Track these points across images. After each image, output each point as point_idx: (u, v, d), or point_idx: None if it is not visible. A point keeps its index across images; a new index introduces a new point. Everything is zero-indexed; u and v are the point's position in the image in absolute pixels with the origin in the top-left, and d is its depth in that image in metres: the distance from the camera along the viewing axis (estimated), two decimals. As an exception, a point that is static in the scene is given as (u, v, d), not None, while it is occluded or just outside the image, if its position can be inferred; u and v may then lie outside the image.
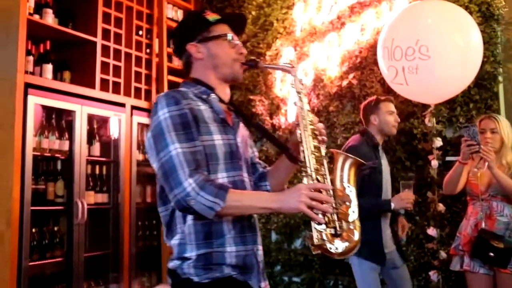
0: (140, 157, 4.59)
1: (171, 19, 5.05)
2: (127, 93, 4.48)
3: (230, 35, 1.85)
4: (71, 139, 3.96)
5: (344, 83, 4.47)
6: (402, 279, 3.28)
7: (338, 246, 1.67)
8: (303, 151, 1.75)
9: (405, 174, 4.00)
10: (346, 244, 1.67)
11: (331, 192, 1.70)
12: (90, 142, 4.18)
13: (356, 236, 1.70)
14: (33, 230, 3.63)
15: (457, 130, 3.99)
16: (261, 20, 5.01)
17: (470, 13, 3.74)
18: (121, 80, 4.43)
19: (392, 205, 3.09)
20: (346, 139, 4.36)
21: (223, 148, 1.73)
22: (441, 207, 3.66)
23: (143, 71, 4.69)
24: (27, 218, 3.49)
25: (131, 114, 4.46)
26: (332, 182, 1.78)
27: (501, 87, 3.94)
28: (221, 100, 1.83)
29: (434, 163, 3.67)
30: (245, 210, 1.67)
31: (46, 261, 3.75)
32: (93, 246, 4.16)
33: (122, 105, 4.39)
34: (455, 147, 3.92)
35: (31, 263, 3.53)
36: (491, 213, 3.15)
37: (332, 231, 1.66)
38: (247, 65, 1.89)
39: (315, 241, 1.64)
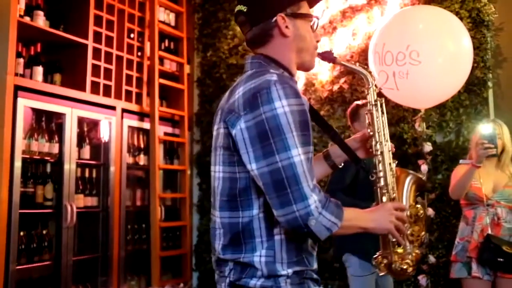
0: (131, 160, 4.57)
1: (163, 22, 5.05)
2: (118, 96, 4.47)
3: (316, 17, 1.61)
4: (61, 142, 3.94)
5: (335, 87, 4.48)
6: (385, 286, 3.28)
7: (408, 268, 1.64)
8: (381, 165, 1.67)
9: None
10: (412, 265, 1.65)
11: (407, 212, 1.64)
12: (80, 145, 4.16)
13: (416, 259, 1.67)
14: (21, 233, 3.60)
15: (447, 135, 4.00)
16: (253, 24, 5.00)
17: (461, 19, 3.76)
18: (112, 83, 4.41)
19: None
20: (337, 143, 4.37)
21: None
22: (430, 211, 3.66)
23: (134, 74, 4.68)
24: (15, 221, 3.47)
25: (122, 117, 4.45)
26: (399, 201, 1.70)
27: (490, 92, 3.97)
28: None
29: (424, 167, 3.68)
30: (347, 230, 1.48)
31: (34, 265, 3.72)
32: (82, 250, 4.13)
33: (113, 108, 4.37)
34: (445, 152, 3.94)
35: (18, 267, 3.51)
36: (498, 219, 3.13)
37: (402, 251, 1.64)
38: (323, 57, 1.69)
39: (395, 264, 1.61)
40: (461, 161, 3.43)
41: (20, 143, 3.57)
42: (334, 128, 1.72)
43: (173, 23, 5.24)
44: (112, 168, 4.31)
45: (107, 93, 4.36)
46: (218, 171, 1.51)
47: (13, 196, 3.47)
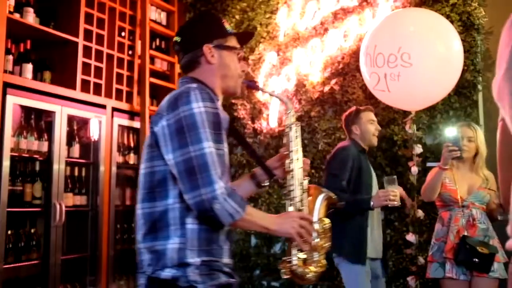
0: (120, 159, 4.55)
1: (154, 21, 5.03)
2: (108, 95, 4.44)
3: (241, 50, 1.89)
4: (50, 140, 3.90)
5: (326, 88, 4.50)
6: None
7: (311, 273, 1.83)
8: (291, 180, 1.90)
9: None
10: (315, 272, 1.84)
11: (313, 224, 1.85)
12: (69, 143, 4.12)
13: (317, 268, 1.85)
14: (9, 232, 3.55)
15: (437, 137, 4.03)
16: (245, 24, 5.01)
17: (451, 22, 3.79)
18: (103, 82, 4.38)
19: (372, 203, 3.11)
20: (327, 144, 4.39)
21: (227, 158, 1.74)
22: (420, 213, 3.69)
23: (125, 72, 4.65)
24: (3, 219, 3.43)
25: (112, 116, 4.42)
26: (309, 214, 1.90)
27: (480, 95, 4.00)
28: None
29: (414, 169, 3.70)
30: (250, 225, 1.70)
31: (22, 264, 3.68)
32: (70, 249, 4.10)
33: (103, 106, 4.34)
34: (434, 154, 3.96)
35: (5, 266, 3.46)
36: (473, 220, 3.19)
37: (305, 258, 1.82)
38: (247, 84, 1.94)
39: (294, 267, 1.79)
40: (428, 163, 3.52)
41: (9, 140, 3.53)
42: (251, 146, 2.02)
43: (164, 22, 5.22)
44: (101, 167, 4.27)
45: (97, 91, 4.33)
46: (142, 168, 1.71)
47: (1, 194, 3.43)
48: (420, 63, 3.35)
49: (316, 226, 1.88)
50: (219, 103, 1.79)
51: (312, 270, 1.82)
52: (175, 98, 1.66)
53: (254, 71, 4.83)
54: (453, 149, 3.10)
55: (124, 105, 4.58)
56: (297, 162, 1.93)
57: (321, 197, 1.98)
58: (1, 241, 3.41)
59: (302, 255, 1.81)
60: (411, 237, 3.68)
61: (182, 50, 1.86)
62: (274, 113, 4.73)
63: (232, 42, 1.87)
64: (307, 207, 1.91)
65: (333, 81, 4.47)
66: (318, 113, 4.56)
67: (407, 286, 3.76)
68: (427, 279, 3.49)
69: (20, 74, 3.80)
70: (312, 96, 4.57)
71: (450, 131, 3.17)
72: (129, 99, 4.67)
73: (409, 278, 3.68)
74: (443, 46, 3.42)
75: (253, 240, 4.77)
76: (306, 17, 4.70)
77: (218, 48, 1.82)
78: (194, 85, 1.70)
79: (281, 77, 4.72)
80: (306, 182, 1.93)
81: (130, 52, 4.75)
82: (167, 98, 1.71)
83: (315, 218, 1.92)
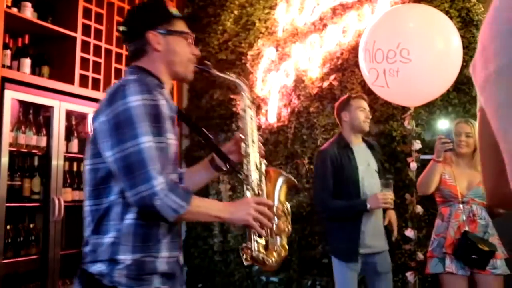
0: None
1: (153, 16, 5.00)
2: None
3: (189, 34, 1.82)
4: (48, 135, 3.89)
5: (325, 84, 4.49)
6: None
7: (272, 258, 1.79)
8: (246, 164, 1.85)
9: (383, 176, 4.06)
10: (277, 257, 1.80)
11: (272, 208, 1.80)
12: (68, 138, 4.12)
13: (279, 254, 1.82)
14: (8, 227, 3.56)
15: (436, 133, 4.03)
16: (243, 20, 5.00)
17: (451, 18, 3.79)
18: (101, 77, 4.37)
19: (368, 205, 3.11)
20: (326, 140, 4.38)
21: (173, 149, 1.68)
22: (419, 209, 3.69)
23: (123, 67, 4.64)
24: (2, 215, 3.42)
25: (110, 111, 4.40)
26: (269, 198, 1.87)
27: (479, 91, 4.00)
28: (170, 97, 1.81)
29: (413, 165, 3.70)
30: (199, 217, 1.69)
31: (21, 259, 3.67)
32: (69, 244, 4.09)
33: (101, 101, 4.33)
34: (433, 150, 3.96)
35: (4, 261, 3.46)
36: (473, 216, 3.20)
37: (266, 244, 1.79)
38: (200, 68, 1.87)
39: (254, 253, 1.75)
40: (421, 156, 3.55)
41: (7, 135, 3.52)
42: (206, 132, 1.92)
43: (163, 17, 5.20)
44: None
45: (95, 86, 4.32)
46: (86, 164, 1.68)
47: (0, 190, 3.43)
48: (419, 59, 3.34)
49: (275, 209, 1.84)
50: (166, 91, 1.75)
51: (273, 256, 1.79)
52: (112, 93, 1.61)
53: (252, 66, 4.82)
54: (445, 141, 3.14)
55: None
56: (253, 145, 1.89)
57: (280, 180, 1.93)
58: (0, 236, 3.41)
59: (262, 241, 1.77)
60: (410, 233, 3.69)
61: (127, 40, 1.81)
62: (273, 108, 4.72)
63: (180, 26, 1.81)
64: (266, 191, 1.87)
65: (332, 77, 4.46)
66: (317, 109, 4.55)
67: (406, 282, 3.77)
68: (426, 275, 3.50)
69: (18, 69, 3.79)
70: (311, 92, 4.56)
71: (443, 124, 3.19)
72: (128, 94, 4.65)
73: (408, 274, 3.68)
74: (442, 42, 3.42)
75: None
76: (305, 12, 4.69)
77: (163, 34, 1.76)
78: (133, 77, 1.65)
79: (280, 73, 4.72)
80: (263, 166, 1.89)
81: (128, 47, 4.73)
82: (106, 92, 1.67)
83: (275, 201, 1.87)
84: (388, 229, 3.32)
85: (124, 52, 4.63)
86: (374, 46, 3.52)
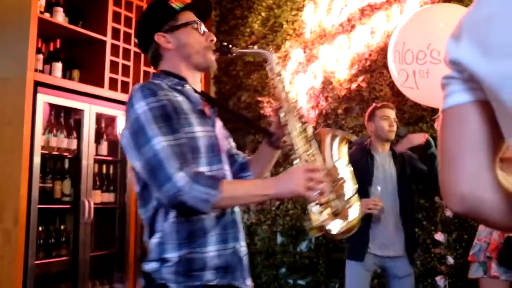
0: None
1: (181, 19, 5.04)
2: (136, 93, 4.47)
3: (197, 22, 1.79)
4: (79, 138, 3.95)
5: (353, 86, 4.46)
6: None
7: (337, 225, 1.65)
8: (289, 133, 1.73)
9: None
10: (345, 222, 1.67)
11: (325, 171, 1.68)
12: (97, 141, 4.17)
13: (354, 213, 1.69)
14: (40, 228, 3.62)
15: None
16: (271, 22, 5.00)
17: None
18: (130, 80, 4.42)
19: None
20: (354, 142, 4.36)
21: (204, 141, 1.65)
22: (449, 212, 3.63)
23: (152, 70, 4.67)
24: (34, 216, 3.49)
25: (139, 114, 4.44)
26: (323, 161, 1.74)
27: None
28: (195, 91, 1.77)
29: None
30: (241, 200, 1.62)
31: (52, 260, 3.74)
32: (98, 246, 4.15)
33: (130, 104, 4.38)
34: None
35: (37, 262, 3.53)
36: None
37: (329, 210, 1.65)
38: (220, 52, 1.83)
39: (314, 223, 1.63)
40: None
41: (39, 138, 3.58)
42: (241, 114, 1.86)
43: (191, 20, 5.23)
44: (128, 164, 4.31)
45: (125, 89, 4.36)
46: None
47: (32, 192, 3.49)
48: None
49: (331, 172, 1.69)
50: (188, 87, 1.73)
51: (338, 221, 1.65)
52: (126, 105, 1.65)
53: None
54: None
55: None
56: (292, 111, 1.75)
57: (333, 140, 1.79)
58: (32, 237, 3.47)
59: (323, 208, 1.64)
60: (439, 236, 3.64)
61: (142, 50, 1.85)
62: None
63: (186, 17, 1.77)
64: (318, 156, 1.72)
65: (360, 78, 4.42)
66: (345, 111, 4.52)
67: (436, 286, 3.72)
68: (456, 279, 3.44)
69: (50, 73, 3.86)
70: (339, 94, 4.53)
71: None
72: (156, 97, 4.69)
73: (437, 278, 3.63)
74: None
75: (279, 238, 4.76)
76: (333, 14, 4.66)
77: (170, 31, 1.74)
78: (138, 85, 1.66)
79: (308, 75, 4.70)
80: (310, 129, 1.75)
81: (157, 50, 4.77)
82: None
83: (330, 162, 1.74)
84: (410, 235, 3.28)
85: (152, 55, 4.67)
86: (404, 47, 3.48)
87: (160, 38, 1.74)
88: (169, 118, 1.58)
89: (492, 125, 0.82)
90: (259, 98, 4.89)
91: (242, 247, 1.73)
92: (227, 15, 5.34)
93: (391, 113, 3.39)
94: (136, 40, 1.85)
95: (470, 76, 0.80)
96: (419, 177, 3.37)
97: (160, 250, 1.60)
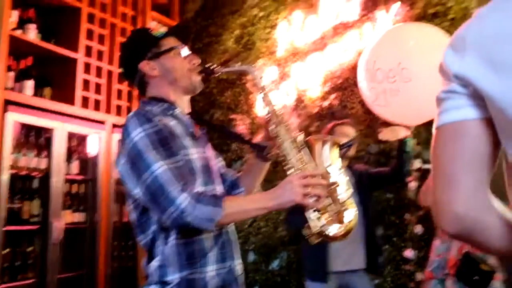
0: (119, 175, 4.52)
1: (154, 37, 5.03)
2: (108, 111, 4.44)
3: (180, 47, 1.83)
4: (49, 157, 3.88)
5: (325, 103, 4.48)
6: None
7: (335, 229, 1.69)
8: (281, 144, 1.76)
9: (383, 195, 4.00)
10: (342, 226, 1.70)
11: (320, 177, 1.69)
12: (68, 160, 4.11)
13: (350, 216, 1.72)
14: (5, 250, 3.52)
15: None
16: (244, 39, 5.02)
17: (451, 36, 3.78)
18: (102, 98, 4.38)
19: None
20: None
21: (199, 162, 1.70)
22: (418, 228, 3.65)
23: (125, 88, 4.65)
24: (1, 238, 3.40)
25: (112, 132, 4.41)
26: (316, 167, 1.78)
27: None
28: (185, 114, 1.81)
29: (412, 184, 3.66)
30: (243, 215, 1.66)
31: (18, 283, 3.63)
32: (67, 267, 4.04)
33: (103, 122, 4.34)
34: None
35: (1, 286, 3.43)
36: None
37: (327, 215, 1.68)
38: (204, 74, 1.85)
39: (313, 229, 1.66)
40: (424, 166, 3.49)
41: (8, 158, 3.52)
42: (227, 128, 1.89)
43: (164, 38, 5.22)
44: (99, 183, 4.26)
45: (97, 107, 4.33)
46: (127, 205, 1.76)
47: (0, 213, 3.41)
48: (420, 78, 3.33)
49: (322, 177, 1.69)
50: (178, 110, 1.77)
51: (336, 224, 1.69)
52: (121, 134, 1.68)
53: (253, 86, 4.83)
54: None
55: (124, 121, 4.56)
56: (281, 122, 1.78)
57: (319, 145, 1.83)
58: (-3, 260, 3.38)
59: (321, 214, 1.67)
60: (409, 253, 3.65)
61: (127, 79, 1.90)
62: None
63: (168, 43, 1.82)
64: (311, 163, 1.75)
65: (332, 96, 4.46)
66: (317, 128, 4.53)
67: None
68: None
69: (21, 91, 3.80)
70: (311, 111, 4.56)
71: None
72: (129, 115, 4.65)
73: (408, 295, 3.64)
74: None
75: (251, 256, 4.72)
76: (306, 32, 4.70)
77: (154, 58, 1.79)
78: (133, 113, 1.70)
79: (280, 92, 4.72)
80: (300, 137, 1.78)
81: (130, 68, 4.74)
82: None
83: (322, 168, 1.78)
84: (371, 248, 3.24)
85: (125, 72, 4.65)
86: (374, 66, 3.51)
87: (144, 66, 1.79)
88: (166, 142, 1.62)
89: (492, 144, 0.80)
90: (232, 116, 4.88)
91: (238, 265, 1.78)
92: (201, 33, 5.34)
93: (350, 131, 3.38)
94: (121, 70, 1.90)
95: (475, 91, 0.78)
96: (379, 181, 3.35)
97: (161, 274, 1.62)
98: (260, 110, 4.80)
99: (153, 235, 1.66)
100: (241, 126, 4.82)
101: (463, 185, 0.79)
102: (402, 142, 3.28)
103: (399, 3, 4.26)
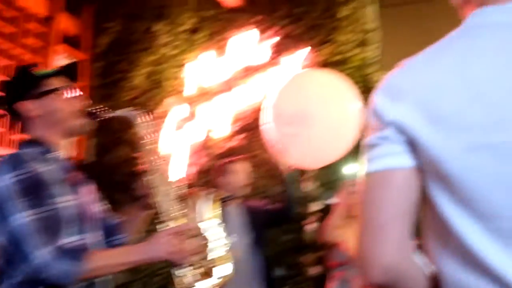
0: None
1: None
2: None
3: (64, 88, 1.74)
4: None
5: (233, 144, 4.51)
6: None
7: (203, 286, 1.66)
8: (155, 197, 1.73)
9: (284, 236, 4.05)
10: (211, 282, 1.68)
11: (190, 233, 1.69)
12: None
13: (221, 272, 1.71)
14: None
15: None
16: (153, 77, 4.99)
17: (356, 82, 3.95)
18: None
19: None
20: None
21: (71, 210, 1.61)
22: (316, 270, 3.67)
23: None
24: None
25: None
26: (190, 221, 1.76)
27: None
28: (64, 158, 1.74)
29: (310, 227, 3.71)
30: (108, 269, 1.59)
31: None
32: None
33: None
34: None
35: None
36: None
37: (194, 271, 1.66)
38: (89, 117, 1.79)
39: (177, 286, 1.63)
40: (327, 201, 3.58)
41: None
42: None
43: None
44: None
45: None
46: None
47: None
48: (320, 123, 3.45)
49: (190, 231, 1.70)
50: (56, 154, 1.70)
51: (202, 283, 1.66)
52: None
53: (159, 124, 4.78)
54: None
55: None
56: (158, 173, 1.77)
57: (201, 199, 1.85)
58: None
59: (188, 270, 1.65)
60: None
61: (13, 119, 1.77)
62: (179, 167, 4.66)
63: (52, 83, 1.73)
64: (185, 218, 1.73)
65: (238, 137, 4.50)
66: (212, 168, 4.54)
67: None
68: None
69: None
70: (218, 151, 4.57)
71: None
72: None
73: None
74: (342, 107, 3.55)
75: None
76: (214, 73, 4.74)
77: (34, 98, 1.69)
78: (6, 156, 1.63)
79: (187, 132, 4.70)
80: (180, 190, 1.77)
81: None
82: None
83: (197, 223, 1.77)
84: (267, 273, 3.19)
85: None
86: (278, 110, 3.60)
87: (21, 107, 1.69)
88: (35, 190, 1.55)
89: (419, 193, 0.79)
90: (135, 154, 4.77)
91: None
92: (111, 68, 5.25)
93: (243, 168, 3.33)
94: (3, 111, 1.79)
95: (409, 139, 0.77)
96: (274, 218, 3.31)
97: None
98: (160, 150, 4.73)
99: (19, 285, 1.54)
100: (143, 165, 4.73)
101: (391, 236, 0.79)
102: (286, 176, 3.28)
103: (308, 48, 4.42)
